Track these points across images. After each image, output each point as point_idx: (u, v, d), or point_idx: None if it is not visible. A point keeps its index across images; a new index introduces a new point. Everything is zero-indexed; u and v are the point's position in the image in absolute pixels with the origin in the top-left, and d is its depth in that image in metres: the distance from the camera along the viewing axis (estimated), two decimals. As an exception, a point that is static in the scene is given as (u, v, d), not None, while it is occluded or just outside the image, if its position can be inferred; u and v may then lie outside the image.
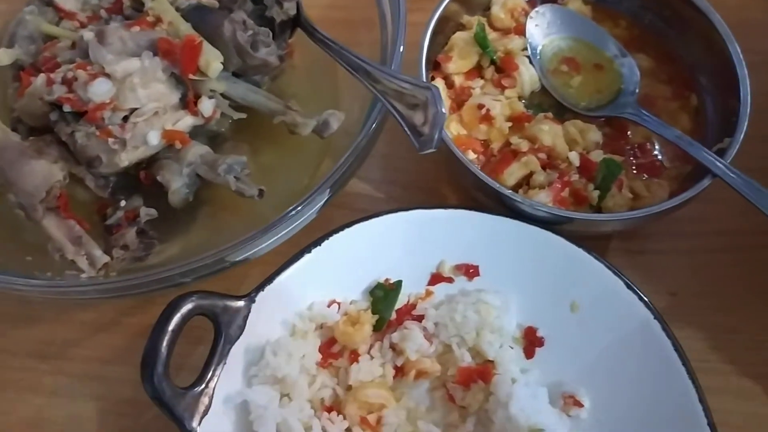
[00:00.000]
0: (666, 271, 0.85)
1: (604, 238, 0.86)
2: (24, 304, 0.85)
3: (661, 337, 0.70)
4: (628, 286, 0.72)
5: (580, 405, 0.72)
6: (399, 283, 0.77)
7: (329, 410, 0.71)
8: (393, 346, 0.74)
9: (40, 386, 0.81)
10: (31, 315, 0.84)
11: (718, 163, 0.76)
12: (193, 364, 0.77)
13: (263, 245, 0.72)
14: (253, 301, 0.70)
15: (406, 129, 0.67)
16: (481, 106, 0.82)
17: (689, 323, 0.80)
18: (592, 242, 0.76)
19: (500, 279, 0.77)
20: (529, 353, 0.74)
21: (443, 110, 0.64)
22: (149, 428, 0.78)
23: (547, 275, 0.75)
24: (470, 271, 0.78)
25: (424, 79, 0.81)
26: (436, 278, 0.78)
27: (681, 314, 0.79)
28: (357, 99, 0.85)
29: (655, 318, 0.71)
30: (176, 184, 0.78)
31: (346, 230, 0.75)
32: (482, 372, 0.71)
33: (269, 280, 0.72)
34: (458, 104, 0.85)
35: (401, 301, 0.77)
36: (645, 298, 0.72)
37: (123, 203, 0.79)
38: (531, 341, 0.75)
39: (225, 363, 0.68)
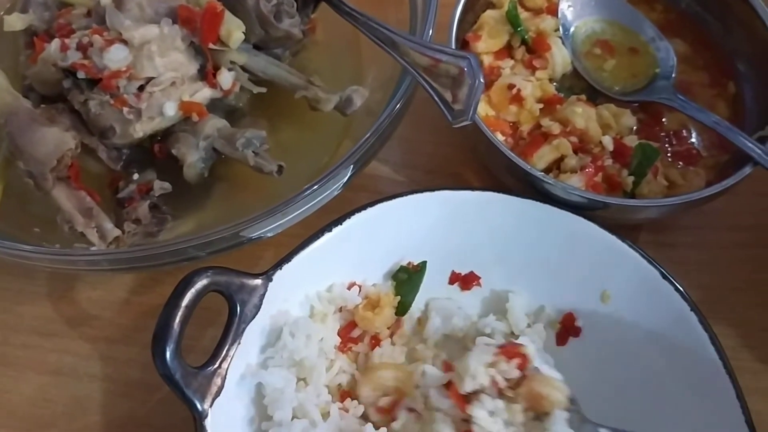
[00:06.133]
0: (697, 265, 0.82)
1: (634, 228, 0.83)
2: (28, 279, 0.82)
3: (698, 330, 0.67)
4: (664, 277, 0.69)
5: None
6: (423, 264, 0.73)
7: (347, 396, 0.68)
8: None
9: (44, 365, 0.78)
10: (36, 291, 0.81)
11: (759, 150, 0.72)
12: (204, 347, 0.75)
13: (282, 221, 0.69)
14: (271, 280, 0.66)
15: (438, 101, 0.64)
16: (511, 87, 0.79)
17: (721, 320, 0.76)
18: (622, 233, 0.73)
19: (528, 265, 0.73)
20: (561, 340, 0.71)
21: (482, 80, 0.60)
22: (156, 411, 0.75)
23: (578, 263, 0.72)
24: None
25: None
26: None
27: (713, 310, 0.75)
28: (381, 79, 0.83)
29: (691, 310, 0.67)
30: (192, 157, 0.75)
31: (369, 209, 0.71)
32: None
33: (287, 258, 0.68)
34: (487, 85, 0.82)
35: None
36: (681, 289, 0.68)
37: (136, 176, 0.76)
38: (567, 329, 0.71)
39: (239, 343, 0.64)
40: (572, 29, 0.86)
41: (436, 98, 0.64)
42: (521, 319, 0.72)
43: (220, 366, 0.63)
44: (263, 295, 0.66)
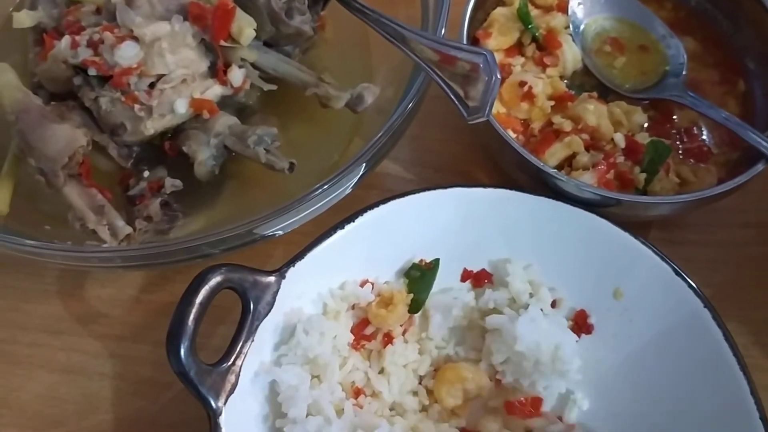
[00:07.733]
0: (707, 262, 0.82)
1: (643, 226, 0.83)
2: (37, 277, 0.81)
3: (711, 326, 0.67)
4: (678, 274, 0.69)
5: None
6: (436, 261, 0.73)
7: (360, 393, 0.68)
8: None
9: (53, 363, 0.77)
10: (44, 289, 0.81)
11: (770, 146, 0.73)
12: (215, 345, 0.75)
13: (296, 218, 0.68)
14: (284, 277, 0.66)
15: (453, 98, 0.64)
16: (522, 84, 0.79)
17: (732, 317, 0.75)
18: (632, 230, 0.73)
19: (540, 262, 0.73)
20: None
21: (498, 76, 0.60)
22: (167, 410, 0.75)
23: (591, 260, 0.72)
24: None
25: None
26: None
27: (723, 308, 0.75)
28: (391, 77, 0.83)
29: (705, 307, 0.67)
30: (203, 155, 0.75)
31: (381, 207, 0.71)
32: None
33: (300, 255, 0.68)
34: (497, 82, 0.82)
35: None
36: (694, 286, 0.68)
37: (146, 174, 0.76)
38: (579, 326, 0.71)
39: (253, 341, 0.64)
40: (582, 26, 0.86)
41: (451, 95, 0.64)
42: (523, 290, 0.71)
43: (234, 363, 0.62)
44: (276, 292, 0.66)
